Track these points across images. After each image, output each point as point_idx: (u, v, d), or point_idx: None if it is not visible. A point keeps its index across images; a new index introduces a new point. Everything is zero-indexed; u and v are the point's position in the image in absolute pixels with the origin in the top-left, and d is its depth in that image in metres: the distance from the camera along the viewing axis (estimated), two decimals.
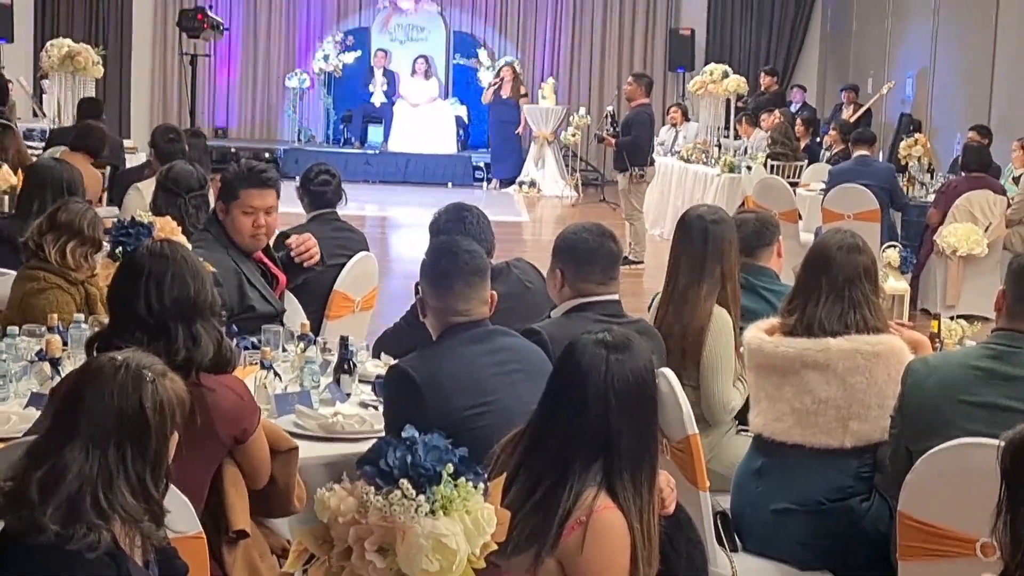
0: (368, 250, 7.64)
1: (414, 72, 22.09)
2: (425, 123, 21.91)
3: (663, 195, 15.83)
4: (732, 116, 17.00)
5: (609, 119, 16.09)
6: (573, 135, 20.50)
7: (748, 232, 5.92)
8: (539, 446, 3.54)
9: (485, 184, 21.28)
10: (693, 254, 5.53)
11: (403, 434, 3.22)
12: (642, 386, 3.51)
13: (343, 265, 7.22)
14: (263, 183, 6.10)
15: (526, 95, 21.46)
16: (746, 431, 5.21)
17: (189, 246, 5.39)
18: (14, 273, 5.92)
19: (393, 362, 4.91)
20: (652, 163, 14.77)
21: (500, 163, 21.53)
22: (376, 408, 4.90)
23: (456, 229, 5.55)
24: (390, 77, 22.04)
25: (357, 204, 16.72)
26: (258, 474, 4.16)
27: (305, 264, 6.47)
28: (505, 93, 21.17)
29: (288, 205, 6.90)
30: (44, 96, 16.98)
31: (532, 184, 20.82)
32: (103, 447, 3.12)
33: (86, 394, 3.15)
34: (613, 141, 14.97)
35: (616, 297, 5.06)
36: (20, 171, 8.31)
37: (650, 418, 3.57)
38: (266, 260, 6.26)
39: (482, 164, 21.67)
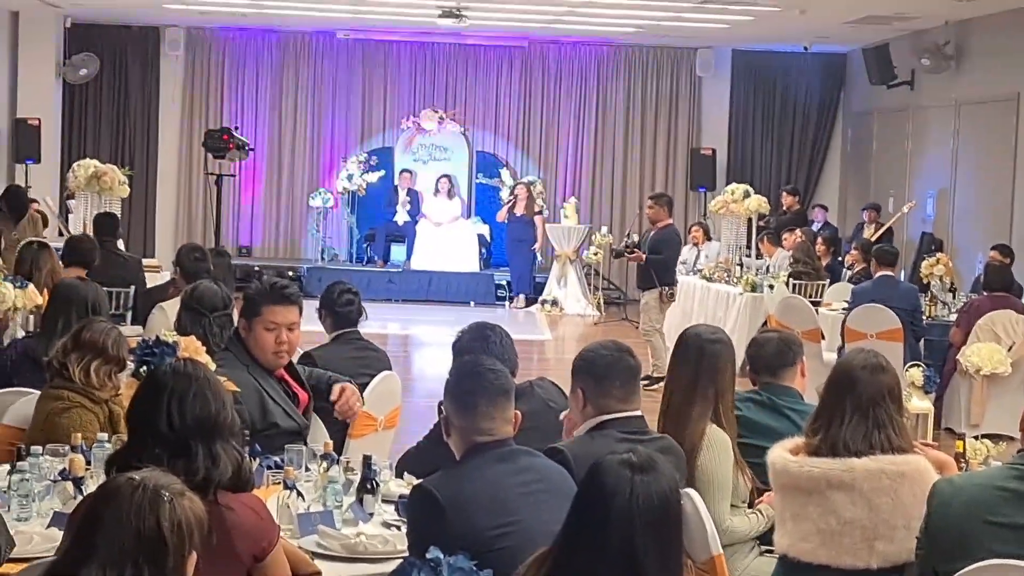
0: (391, 369, 7.64)
1: (437, 191, 22.22)
2: (448, 242, 22.00)
3: (685, 314, 15.82)
4: (754, 235, 17.05)
5: (627, 240, 16.06)
6: (595, 254, 20.57)
7: (771, 352, 5.93)
8: (564, 568, 3.50)
9: (508, 303, 21.31)
10: (688, 373, 5.55)
11: (428, 555, 3.20)
12: (667, 507, 3.46)
13: (366, 384, 7.22)
14: (285, 299, 6.11)
15: (540, 212, 21.54)
16: (771, 552, 5.17)
17: (213, 366, 5.42)
18: (38, 393, 5.93)
19: (416, 481, 4.90)
20: (676, 282, 14.79)
21: (514, 280, 21.58)
22: (399, 528, 4.88)
23: (479, 348, 5.56)
24: (413, 196, 22.18)
25: (379, 323, 16.78)
26: None
27: (345, 420, 6.44)
28: (519, 211, 21.26)
29: (309, 324, 6.91)
30: (70, 216, 17.14)
31: (554, 303, 20.85)
32: (120, 568, 3.11)
33: (104, 514, 3.14)
34: (643, 256, 14.65)
35: (639, 413, 5.06)
36: (46, 290, 8.37)
37: (675, 539, 3.52)
38: (288, 378, 6.24)
39: (504, 282, 21.71)
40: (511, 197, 21.59)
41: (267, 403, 5.96)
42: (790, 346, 6.00)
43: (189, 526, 3.19)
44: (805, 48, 22.21)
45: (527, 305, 21.02)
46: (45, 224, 15.19)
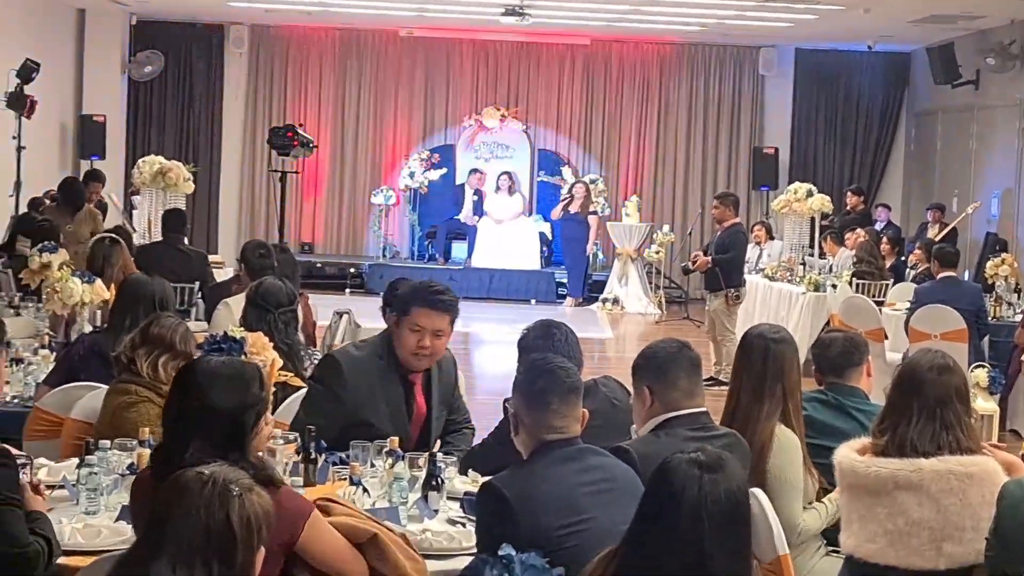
0: (456, 367, 7.65)
1: (498, 188, 22.22)
2: (509, 240, 21.99)
3: (748, 313, 15.73)
4: (817, 234, 16.95)
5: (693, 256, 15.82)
6: (657, 252, 20.52)
7: (837, 352, 5.90)
8: (632, 566, 3.49)
9: (569, 300, 21.26)
10: (754, 373, 5.53)
11: (500, 552, 3.20)
12: (736, 506, 3.45)
13: None
14: (435, 304, 5.98)
15: (595, 212, 21.48)
16: (837, 552, 5.15)
17: (280, 362, 5.45)
18: (106, 387, 5.98)
19: (482, 479, 4.91)
20: (744, 283, 14.65)
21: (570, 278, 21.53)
22: (464, 525, 4.89)
23: (545, 347, 5.55)
24: (478, 194, 22.20)
25: None
26: (332, 570, 4.15)
27: None
28: (574, 209, 21.21)
29: (374, 320, 6.93)
30: (134, 212, 17.27)
31: (615, 301, 20.81)
32: (190, 563, 3.13)
33: (173, 509, 3.17)
34: (708, 260, 14.52)
35: (704, 409, 5.04)
36: (114, 286, 8.42)
37: (744, 539, 3.51)
38: (419, 385, 6.14)
39: (565, 280, 21.68)
40: (567, 195, 21.54)
41: (375, 399, 5.94)
42: (856, 346, 5.97)
43: (258, 521, 3.20)
44: (869, 47, 22.07)
45: (579, 304, 20.96)
46: (104, 216, 15.27)
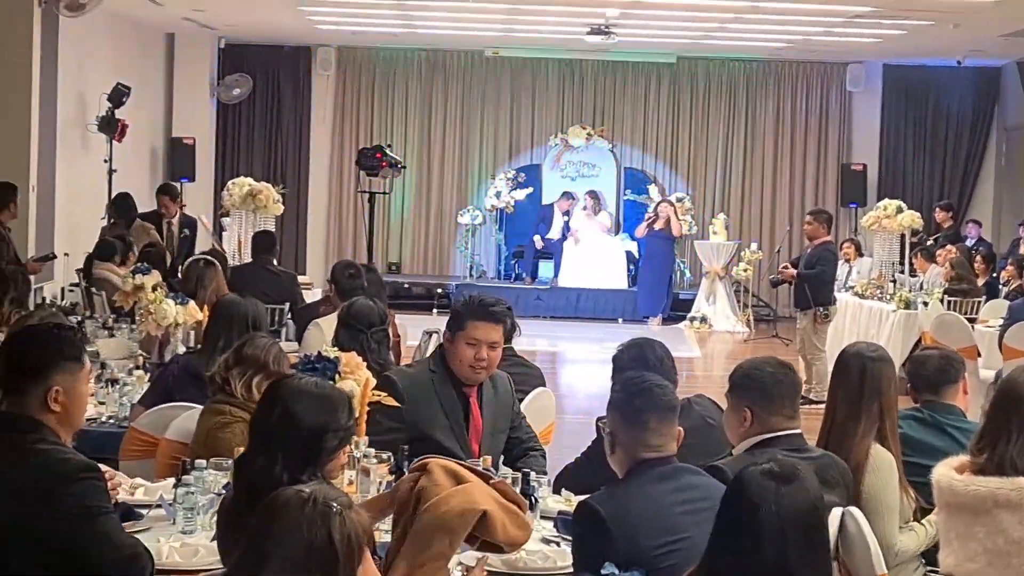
0: (544, 385, 7.65)
1: (584, 207, 22.20)
2: (595, 258, 21.96)
3: (837, 331, 15.61)
4: (907, 251, 16.79)
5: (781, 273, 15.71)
6: (744, 270, 20.41)
7: (933, 369, 5.84)
8: None
9: (656, 318, 21.18)
10: (850, 391, 5.48)
11: (603, 571, 3.19)
12: (814, 517, 3.42)
13: (521, 401, 7.23)
14: (489, 316, 6.09)
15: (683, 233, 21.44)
16: (935, 572, 5.09)
17: (373, 381, 5.46)
18: (200, 407, 6.03)
19: (576, 498, 4.90)
20: (834, 301, 14.48)
21: (645, 297, 21.42)
22: (559, 544, 4.88)
23: (639, 365, 5.54)
24: (567, 213, 22.19)
25: (528, 339, 16.78)
26: None
27: None
28: (659, 226, 21.14)
29: None
30: (224, 234, 17.42)
31: (703, 319, 20.73)
32: None
33: (274, 527, 3.18)
34: (793, 272, 14.59)
35: (799, 431, 5.01)
36: (206, 307, 8.50)
37: (825, 551, 3.48)
38: (474, 400, 6.19)
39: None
40: (652, 214, 21.45)
41: (434, 412, 5.97)
42: (952, 363, 5.91)
43: (358, 538, 3.22)
44: (958, 62, 21.84)
45: (663, 323, 20.87)
46: (159, 233, 15.38)
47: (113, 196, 15.15)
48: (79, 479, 4.20)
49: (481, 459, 5.55)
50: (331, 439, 4.19)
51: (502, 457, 6.17)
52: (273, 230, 14.67)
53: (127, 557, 4.23)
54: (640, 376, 4.57)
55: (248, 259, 14.43)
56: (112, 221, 14.90)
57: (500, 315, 6.16)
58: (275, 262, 13.17)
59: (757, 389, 5.01)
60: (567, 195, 22.39)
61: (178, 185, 20.93)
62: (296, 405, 4.18)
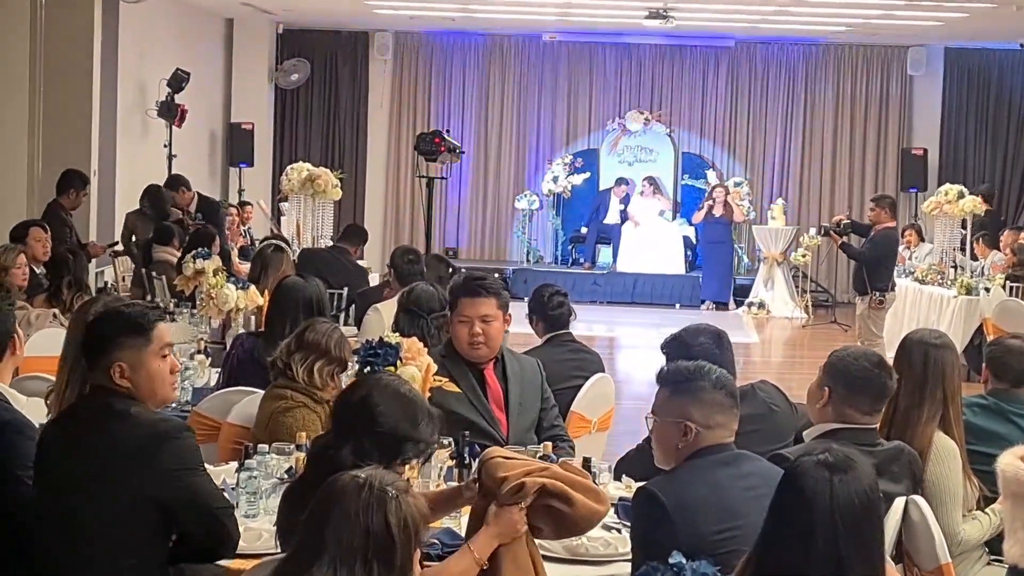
0: (603, 371, 7.65)
1: (642, 192, 22.15)
2: (653, 244, 21.89)
3: (897, 317, 15.51)
4: (969, 236, 16.64)
5: (845, 223, 15.63)
6: (803, 256, 20.29)
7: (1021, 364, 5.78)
8: (767, 572, 3.44)
9: (710, 305, 21.10)
10: (914, 378, 5.44)
11: (671, 560, 3.18)
12: (868, 508, 3.40)
13: (579, 386, 7.23)
14: (475, 291, 6.15)
15: (746, 218, 21.37)
16: (1000, 561, 5.04)
17: (435, 367, 5.47)
18: (262, 392, 6.05)
19: (635, 484, 4.89)
20: (893, 288, 14.36)
21: (709, 283, 21.38)
22: (620, 531, 4.87)
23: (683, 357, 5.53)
24: (624, 199, 22.16)
25: (585, 324, 16.80)
26: None
27: None
28: (717, 212, 21.08)
29: (517, 325, 6.93)
30: (283, 218, 17.48)
31: (761, 305, 20.64)
32: (350, 565, 3.17)
33: (332, 512, 3.20)
34: (839, 240, 14.74)
35: (874, 426, 4.98)
36: (267, 292, 8.52)
37: (878, 543, 3.46)
38: (490, 370, 6.22)
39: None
40: (709, 199, 21.38)
41: (451, 392, 5.99)
42: None
43: (415, 522, 3.23)
44: (1021, 45, 21.64)
45: (718, 309, 20.82)
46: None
47: (145, 187, 15.10)
48: (178, 437, 4.45)
49: (541, 445, 5.56)
50: (410, 449, 4.23)
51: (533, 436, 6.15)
52: (332, 215, 14.70)
53: (224, 508, 4.50)
54: (703, 363, 4.52)
55: (306, 244, 14.53)
56: (141, 211, 14.88)
57: (487, 288, 6.19)
58: (352, 253, 13.20)
59: (842, 375, 4.99)
60: (622, 181, 22.33)
61: (237, 170, 21.09)
62: (381, 402, 4.22)
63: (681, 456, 4.33)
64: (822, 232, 17.05)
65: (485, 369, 6.18)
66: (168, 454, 4.40)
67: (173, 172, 16.80)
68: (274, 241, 10.68)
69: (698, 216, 21.54)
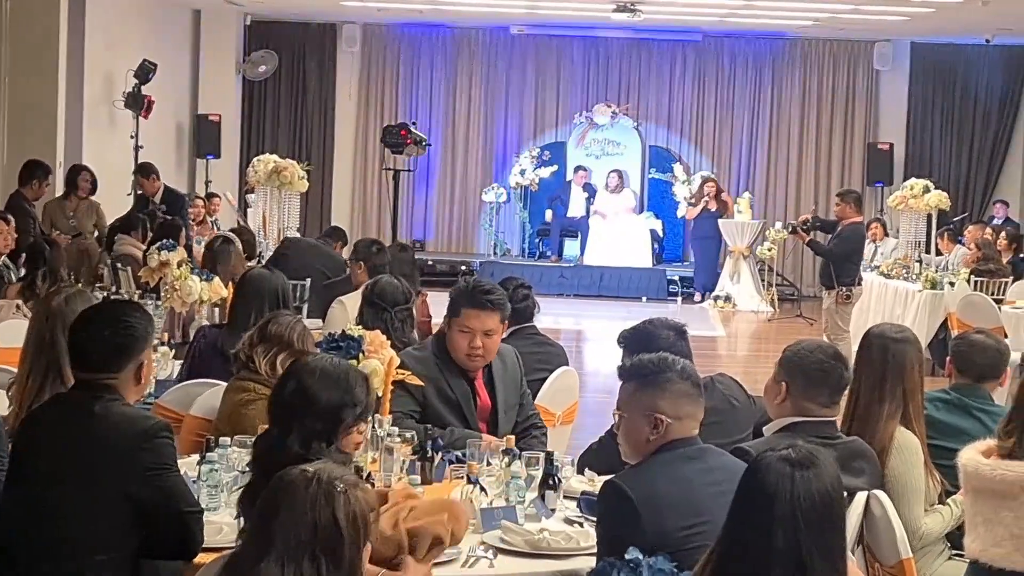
0: (568, 364, 7.64)
1: (607, 186, 22.17)
2: (620, 237, 21.92)
3: (863, 311, 15.55)
4: (934, 231, 16.70)
5: (810, 220, 15.74)
6: (769, 249, 20.32)
7: (987, 362, 5.78)
8: (728, 568, 3.43)
9: (679, 298, 21.18)
10: (874, 373, 5.44)
11: (628, 556, 3.17)
12: (830, 505, 3.39)
13: (543, 380, 7.23)
14: (483, 305, 6.06)
15: (725, 201, 21.45)
16: (961, 556, 5.06)
17: (397, 360, 5.47)
18: (225, 384, 6.03)
19: (600, 478, 4.88)
20: (860, 282, 14.37)
21: (700, 276, 21.47)
22: (582, 525, 4.87)
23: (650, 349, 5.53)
24: (590, 191, 22.18)
25: (552, 317, 16.80)
26: None
27: None
28: (712, 207, 21.14)
29: None
30: (249, 210, 17.44)
31: (727, 299, 20.68)
32: (298, 560, 3.16)
33: (280, 507, 3.20)
34: (806, 238, 14.88)
35: (833, 419, 4.99)
36: (231, 282, 8.49)
37: (840, 539, 3.45)
38: (480, 382, 6.17)
39: (677, 278, 21.61)
40: (699, 195, 21.40)
41: (443, 394, 5.97)
42: (1004, 359, 5.84)
43: (364, 517, 3.23)
44: (987, 40, 21.71)
45: (683, 302, 20.91)
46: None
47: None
48: (159, 436, 4.48)
49: (504, 439, 5.55)
50: (348, 414, 4.28)
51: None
52: (299, 207, 14.66)
53: (193, 511, 4.49)
54: (666, 355, 4.51)
55: (273, 235, 14.50)
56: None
57: (495, 303, 6.11)
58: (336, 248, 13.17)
59: (799, 369, 4.99)
60: (580, 169, 22.36)
61: (204, 162, 21.01)
62: (311, 381, 4.29)
63: (651, 449, 4.31)
64: (789, 230, 17.11)
65: (476, 376, 6.15)
66: (149, 452, 4.42)
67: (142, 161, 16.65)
68: (222, 234, 10.62)
69: (692, 212, 21.54)
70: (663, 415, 4.28)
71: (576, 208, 22.22)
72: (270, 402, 4.44)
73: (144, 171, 15.41)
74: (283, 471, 3.31)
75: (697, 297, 21.12)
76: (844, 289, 13.97)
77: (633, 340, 5.72)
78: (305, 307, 11.58)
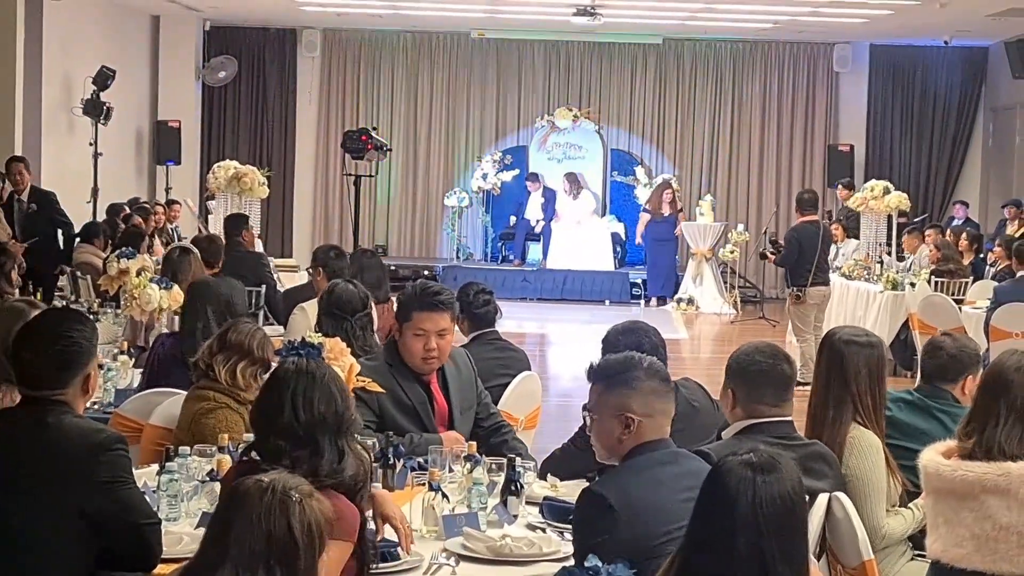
0: (530, 368, 7.63)
1: (566, 191, 22.18)
2: (582, 240, 21.96)
3: (825, 312, 15.58)
4: (894, 232, 16.76)
5: (767, 237, 15.98)
6: (731, 252, 20.38)
7: (944, 365, 5.79)
8: (690, 571, 3.43)
9: (642, 301, 21.22)
10: (832, 376, 5.45)
11: (587, 563, 3.16)
12: (791, 509, 3.38)
13: (506, 385, 7.21)
14: (434, 306, 6.02)
15: (681, 210, 21.46)
16: (923, 556, 5.07)
17: (357, 368, 5.44)
18: (184, 393, 5.99)
19: (562, 484, 4.87)
20: (823, 283, 14.33)
21: (655, 280, 21.46)
22: (544, 531, 4.86)
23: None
24: (549, 195, 22.19)
25: (515, 321, 16.81)
26: None
27: None
28: (666, 211, 21.17)
29: None
30: (210, 217, 17.37)
31: (690, 301, 20.72)
32: (253, 570, 3.14)
33: (234, 517, 3.18)
34: (772, 258, 15.01)
35: (789, 418, 4.99)
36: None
37: (801, 543, 3.44)
38: (435, 385, 6.15)
39: (640, 281, 21.63)
40: (656, 200, 21.43)
41: (399, 402, 5.94)
42: (966, 365, 5.83)
43: (319, 526, 3.21)
44: (945, 42, 21.82)
45: (646, 305, 20.93)
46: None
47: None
48: (112, 449, 4.45)
49: (466, 445, 5.53)
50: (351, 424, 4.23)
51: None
52: (258, 213, 14.58)
53: (150, 523, 4.47)
54: (632, 353, 4.50)
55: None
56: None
57: (445, 303, 6.09)
58: (246, 240, 12.99)
59: (741, 374, 5.00)
60: (531, 177, 22.36)
61: (164, 168, 20.92)
62: (315, 395, 4.15)
63: (624, 449, 4.28)
64: (760, 257, 17.27)
65: (430, 380, 6.12)
66: (103, 466, 4.40)
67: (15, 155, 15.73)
68: (180, 245, 10.54)
69: (641, 224, 21.56)
70: (633, 414, 4.26)
71: (533, 213, 22.21)
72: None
73: (27, 163, 14.47)
74: (238, 481, 3.29)
75: (654, 302, 21.07)
76: (795, 289, 14.02)
77: (622, 341, 5.72)
78: (261, 313, 11.54)
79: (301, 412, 4.08)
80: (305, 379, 4.15)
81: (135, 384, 7.45)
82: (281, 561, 3.13)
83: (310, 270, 10.10)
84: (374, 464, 5.26)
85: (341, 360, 5.26)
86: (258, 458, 4.08)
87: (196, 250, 10.11)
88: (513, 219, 22.46)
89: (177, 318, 8.68)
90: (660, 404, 4.32)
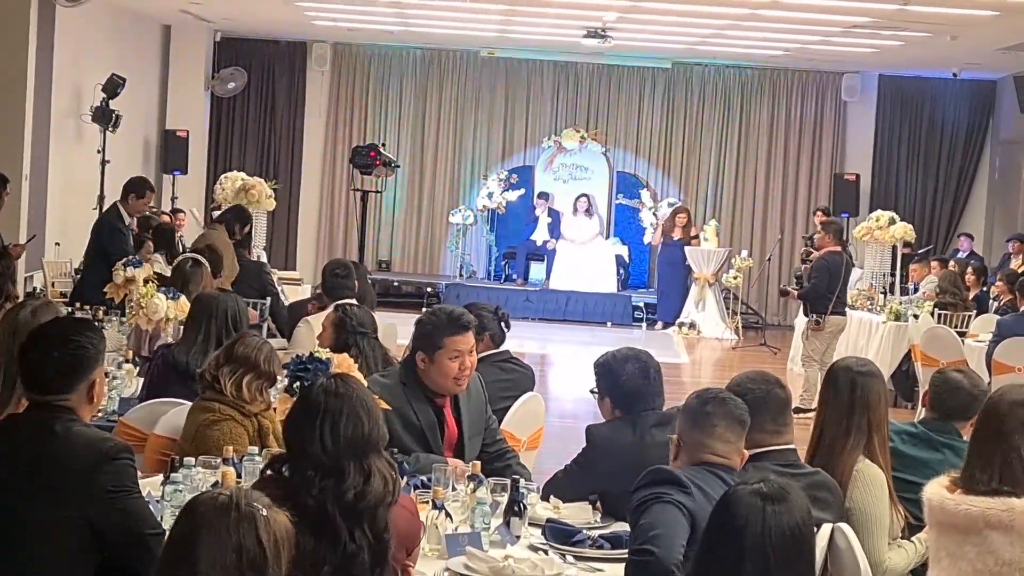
0: (533, 387, 7.64)
1: (576, 211, 22.21)
2: (586, 262, 21.98)
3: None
4: (898, 263, 16.77)
5: (795, 276, 16.01)
6: (735, 277, 20.39)
7: (960, 404, 5.79)
8: None
9: (644, 324, 21.21)
10: (840, 406, 5.45)
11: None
12: (800, 540, 3.40)
13: (509, 407, 7.21)
14: (465, 327, 6.09)
15: (696, 237, 21.45)
16: None
17: (365, 383, 5.45)
18: (189, 404, 6.01)
19: (564, 505, 4.87)
20: (842, 312, 14.41)
21: (665, 303, 21.45)
22: (546, 552, 4.85)
23: (641, 378, 5.59)
24: (554, 216, 22.21)
25: (517, 341, 16.75)
26: None
27: None
28: (676, 235, 21.16)
29: None
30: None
31: (692, 326, 20.72)
32: None
33: (201, 532, 3.16)
34: (795, 294, 15.16)
35: (792, 446, 5.01)
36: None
37: (808, 573, 3.46)
38: (447, 409, 6.17)
39: (642, 304, 21.63)
40: (668, 222, 21.41)
41: (409, 424, 5.95)
42: (977, 402, 5.82)
43: (284, 539, 3.22)
44: (954, 74, 21.86)
45: (648, 328, 20.94)
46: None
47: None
48: (118, 458, 4.44)
49: (470, 465, 5.54)
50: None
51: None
52: (264, 226, 14.58)
53: (154, 533, 4.44)
54: (715, 389, 4.65)
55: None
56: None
57: (471, 322, 6.19)
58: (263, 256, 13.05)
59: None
60: (542, 196, 22.39)
61: (171, 177, 20.94)
62: (351, 416, 4.15)
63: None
64: (781, 294, 17.32)
65: (444, 404, 6.14)
66: (108, 475, 4.40)
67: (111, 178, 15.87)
68: (191, 255, 10.53)
69: (656, 239, 21.56)
70: (682, 437, 4.61)
71: (539, 234, 22.23)
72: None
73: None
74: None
75: (659, 325, 21.07)
76: (816, 316, 14.05)
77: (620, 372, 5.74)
78: (266, 325, 11.54)
79: (329, 441, 4.07)
80: (334, 404, 4.13)
81: (139, 393, 7.47)
82: (252, 573, 3.14)
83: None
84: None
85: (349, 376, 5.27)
86: (288, 475, 4.09)
87: (207, 262, 10.12)
88: (539, 238, 22.33)
89: (183, 328, 8.71)
90: (699, 436, 4.59)
